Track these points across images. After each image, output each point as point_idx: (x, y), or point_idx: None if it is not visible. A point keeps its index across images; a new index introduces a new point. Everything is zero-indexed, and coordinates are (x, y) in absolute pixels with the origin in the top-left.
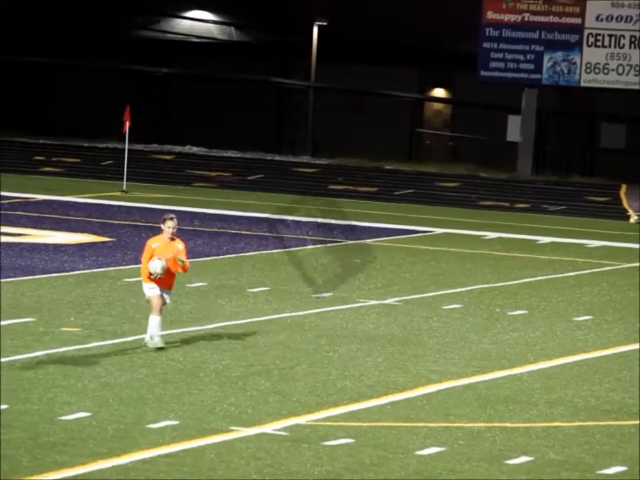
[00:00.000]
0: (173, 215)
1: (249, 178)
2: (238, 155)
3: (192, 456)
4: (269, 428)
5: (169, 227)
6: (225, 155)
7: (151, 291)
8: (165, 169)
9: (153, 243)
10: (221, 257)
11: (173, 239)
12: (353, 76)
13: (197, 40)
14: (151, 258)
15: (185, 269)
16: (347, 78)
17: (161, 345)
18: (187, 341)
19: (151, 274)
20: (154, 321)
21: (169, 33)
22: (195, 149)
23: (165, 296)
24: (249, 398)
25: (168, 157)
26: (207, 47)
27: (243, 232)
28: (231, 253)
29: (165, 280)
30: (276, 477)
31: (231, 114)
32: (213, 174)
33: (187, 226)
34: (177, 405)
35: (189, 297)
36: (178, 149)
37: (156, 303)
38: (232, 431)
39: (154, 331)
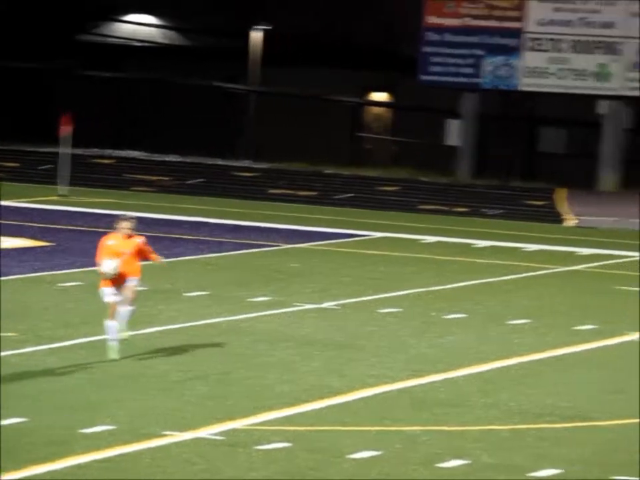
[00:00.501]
0: (130, 216)
1: (189, 182)
2: (178, 160)
3: (127, 461)
4: (205, 432)
5: (123, 226)
6: (166, 159)
7: (111, 296)
8: (105, 173)
9: (108, 240)
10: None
11: (130, 236)
12: (294, 80)
13: (139, 44)
14: (109, 255)
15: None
16: (289, 82)
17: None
18: (125, 345)
19: (102, 273)
20: (112, 326)
21: (111, 37)
22: (135, 154)
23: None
24: (186, 403)
25: (108, 162)
26: (149, 50)
27: (183, 236)
28: (170, 257)
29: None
30: None
31: (171, 118)
32: (154, 178)
33: None
34: (113, 410)
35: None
36: (118, 153)
37: (113, 309)
38: (168, 435)
39: (114, 336)
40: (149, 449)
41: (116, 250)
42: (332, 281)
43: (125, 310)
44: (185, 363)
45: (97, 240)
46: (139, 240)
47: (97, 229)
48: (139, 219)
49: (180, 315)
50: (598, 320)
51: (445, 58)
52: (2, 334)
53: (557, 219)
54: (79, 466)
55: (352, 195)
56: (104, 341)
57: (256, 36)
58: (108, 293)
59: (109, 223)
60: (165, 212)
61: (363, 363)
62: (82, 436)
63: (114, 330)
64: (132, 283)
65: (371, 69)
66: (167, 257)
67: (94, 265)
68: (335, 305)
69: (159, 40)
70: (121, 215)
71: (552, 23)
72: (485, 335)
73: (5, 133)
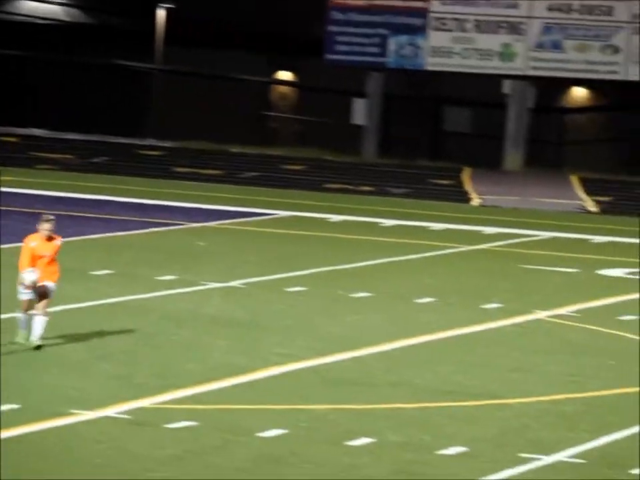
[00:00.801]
0: (52, 217)
1: (94, 160)
2: (82, 138)
3: (34, 440)
4: (112, 411)
5: (45, 228)
6: (69, 137)
7: (26, 295)
8: (7, 151)
9: (31, 242)
10: (65, 239)
11: (51, 238)
12: (200, 59)
13: (42, 22)
14: (31, 258)
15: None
16: (194, 61)
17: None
18: (30, 324)
19: (22, 282)
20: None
21: (14, 15)
22: (38, 132)
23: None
24: (92, 381)
25: (12, 140)
26: (52, 28)
27: (88, 215)
28: (75, 236)
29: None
30: (119, 460)
31: (76, 96)
32: (57, 156)
33: (30, 209)
34: (18, 389)
35: None
36: (21, 131)
37: (27, 304)
38: (74, 414)
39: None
40: (56, 428)
41: (37, 253)
42: (238, 260)
43: (41, 320)
44: (91, 342)
45: None
46: (59, 242)
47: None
48: (43, 197)
49: (86, 293)
50: (504, 298)
51: (350, 37)
52: None
53: (463, 198)
54: None
55: (258, 173)
56: (9, 321)
57: (161, 15)
58: (23, 292)
59: (12, 200)
60: (69, 190)
61: (270, 342)
62: None
63: (24, 323)
64: (50, 292)
65: (277, 48)
66: (72, 235)
67: None
68: (242, 284)
69: (63, 18)
70: (42, 215)
71: (456, 2)
72: (392, 314)
73: None
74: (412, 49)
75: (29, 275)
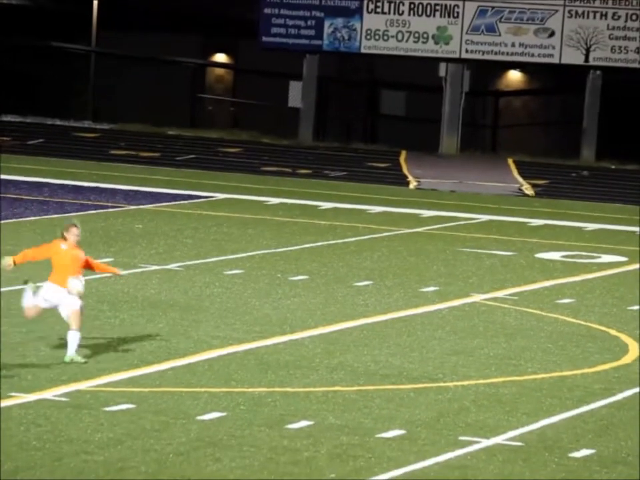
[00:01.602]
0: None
1: (29, 142)
2: (18, 120)
3: None
4: (49, 394)
5: (76, 234)
6: (5, 119)
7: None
8: None
9: (62, 244)
10: (1, 222)
11: (77, 246)
12: (136, 41)
13: None
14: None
15: None
16: (130, 44)
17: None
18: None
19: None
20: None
21: None
22: None
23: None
24: (29, 364)
25: None
26: None
27: (23, 197)
28: (11, 218)
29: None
30: (56, 443)
31: (11, 78)
32: None
33: None
34: None
35: None
36: None
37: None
38: (11, 397)
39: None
40: None
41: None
42: (176, 243)
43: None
44: (27, 324)
45: None
46: (82, 253)
47: None
48: None
49: (22, 275)
50: (441, 281)
51: (286, 20)
52: None
53: (400, 181)
54: None
55: (194, 156)
56: None
57: None
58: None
59: None
60: (5, 172)
61: (208, 325)
62: None
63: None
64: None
65: (212, 31)
66: (8, 217)
67: None
68: (179, 267)
69: None
70: (68, 222)
71: None
72: (330, 297)
73: None
74: (347, 32)
75: (74, 283)
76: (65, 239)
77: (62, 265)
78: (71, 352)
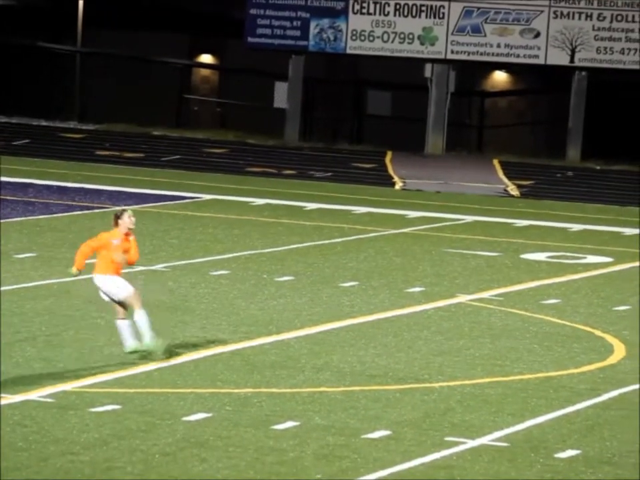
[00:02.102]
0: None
1: (15, 143)
2: (3, 120)
3: None
4: (35, 395)
5: (133, 222)
6: None
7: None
8: None
9: (114, 240)
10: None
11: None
12: (121, 41)
13: None
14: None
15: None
16: (115, 43)
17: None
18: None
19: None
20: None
21: None
22: None
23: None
24: (15, 364)
25: None
26: None
27: (9, 197)
28: None
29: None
30: (42, 444)
31: None
32: None
33: None
34: None
35: None
36: None
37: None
38: None
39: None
40: None
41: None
42: (161, 243)
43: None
44: (14, 324)
45: None
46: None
47: None
48: None
49: (8, 276)
50: (427, 282)
51: (271, 20)
52: None
53: (386, 181)
54: None
55: (180, 156)
56: None
57: None
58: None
59: None
60: None
61: (194, 325)
62: None
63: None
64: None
65: (198, 31)
66: None
67: None
68: (165, 267)
69: None
70: (127, 210)
71: None
72: (316, 297)
73: None
74: (333, 33)
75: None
76: (117, 225)
77: (110, 257)
78: (149, 337)
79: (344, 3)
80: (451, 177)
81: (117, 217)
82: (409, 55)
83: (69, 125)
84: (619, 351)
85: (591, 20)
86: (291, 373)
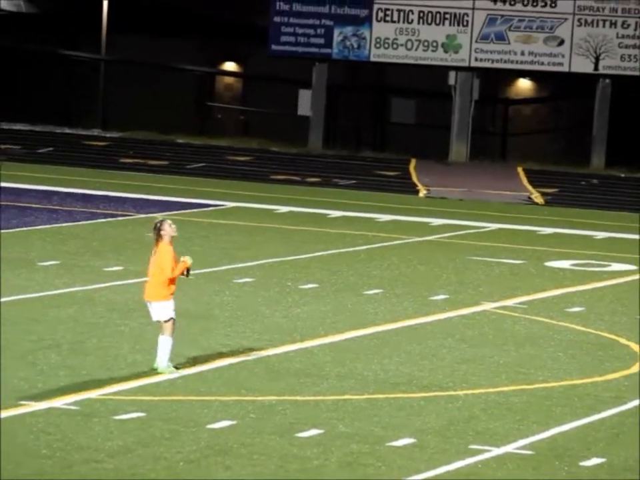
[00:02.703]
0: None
1: (39, 151)
2: (27, 128)
3: None
4: (59, 402)
5: (174, 230)
6: (15, 127)
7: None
8: None
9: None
10: (11, 230)
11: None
12: (144, 49)
13: None
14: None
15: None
16: (139, 51)
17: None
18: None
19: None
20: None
21: None
22: None
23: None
24: (39, 372)
25: None
26: None
27: (33, 205)
28: (21, 227)
29: None
30: (66, 451)
31: (20, 86)
32: (2, 147)
33: None
34: None
35: None
36: None
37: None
38: (21, 405)
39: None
40: (2, 419)
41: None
42: (185, 251)
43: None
44: (38, 332)
45: None
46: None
47: None
48: None
49: (33, 284)
50: (451, 290)
51: (295, 28)
52: None
53: (409, 189)
54: None
55: (203, 164)
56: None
57: (105, 4)
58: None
59: None
60: (15, 181)
61: (218, 333)
62: None
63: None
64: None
65: (222, 38)
66: (18, 226)
67: None
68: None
69: (7, 8)
70: (164, 219)
71: None
72: (340, 305)
73: None
74: (357, 40)
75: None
76: (160, 238)
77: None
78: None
79: (367, 11)
80: (474, 185)
81: (158, 228)
82: (433, 62)
83: (93, 133)
84: None
85: (615, 27)
86: (315, 381)
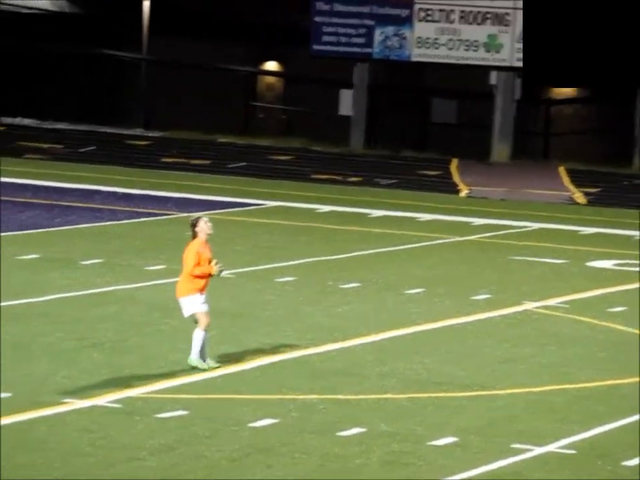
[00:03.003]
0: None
1: (81, 150)
2: (70, 127)
3: (23, 429)
4: (102, 400)
5: (208, 228)
6: (57, 126)
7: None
8: None
9: (199, 249)
10: (53, 229)
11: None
12: (187, 49)
13: (28, 11)
14: (198, 264)
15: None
16: (180, 51)
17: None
18: (19, 314)
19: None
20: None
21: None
22: (26, 121)
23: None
24: (82, 370)
25: (0, 129)
26: (40, 19)
27: (75, 204)
28: (63, 225)
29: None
30: (108, 449)
31: (63, 86)
32: (45, 146)
33: (18, 198)
34: (8, 378)
35: (22, 269)
36: (9, 120)
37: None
38: (64, 403)
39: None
40: (45, 417)
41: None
42: (226, 250)
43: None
44: (80, 331)
45: None
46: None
47: None
48: (32, 186)
49: (75, 283)
50: (492, 289)
51: (336, 28)
52: None
53: (451, 189)
54: None
55: (245, 163)
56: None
57: (147, 5)
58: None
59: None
60: (57, 180)
61: (259, 332)
62: None
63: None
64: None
65: (264, 39)
66: (60, 225)
67: None
68: (230, 274)
69: (50, 8)
70: (200, 217)
71: None
72: (381, 304)
73: None
74: (398, 40)
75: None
76: (195, 235)
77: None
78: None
79: (409, 11)
80: (516, 185)
81: (194, 225)
82: (474, 62)
83: (135, 132)
84: None
85: None
86: (356, 380)
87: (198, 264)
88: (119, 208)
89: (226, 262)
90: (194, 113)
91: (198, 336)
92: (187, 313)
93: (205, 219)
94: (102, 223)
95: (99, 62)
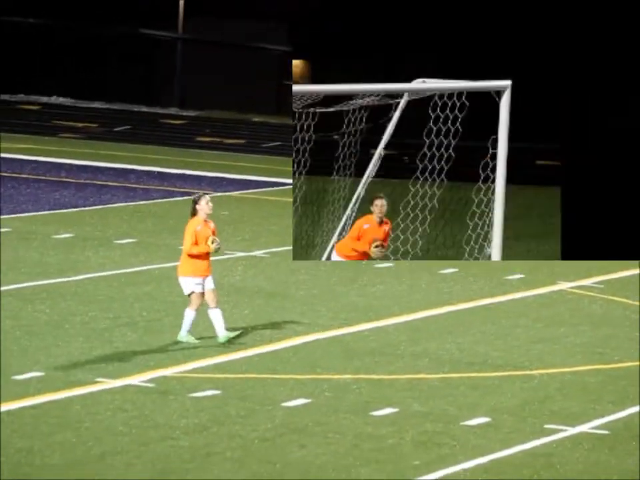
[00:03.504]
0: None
1: (116, 129)
2: (105, 106)
3: (58, 408)
4: (136, 380)
5: (209, 209)
6: (92, 105)
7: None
8: (31, 119)
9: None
10: (88, 208)
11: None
12: (221, 28)
13: None
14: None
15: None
16: (216, 30)
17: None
18: (53, 292)
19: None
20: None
21: None
22: (61, 100)
23: None
24: (116, 350)
25: (34, 108)
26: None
27: (110, 183)
28: (98, 205)
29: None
30: (142, 429)
31: (97, 65)
32: (80, 125)
33: (53, 177)
34: (42, 357)
35: (56, 248)
36: (44, 99)
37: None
38: (98, 382)
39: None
40: (80, 396)
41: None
42: (261, 230)
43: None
44: (115, 310)
45: (19, 186)
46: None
47: (20, 175)
48: (68, 165)
49: (109, 262)
50: (526, 269)
51: None
52: None
53: None
54: (8, 412)
55: (280, 143)
56: (32, 288)
57: None
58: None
59: (34, 169)
60: (92, 159)
61: (293, 312)
62: (12, 382)
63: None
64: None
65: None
66: (94, 204)
67: (19, 211)
68: (265, 253)
69: None
70: (202, 194)
71: None
72: (415, 284)
73: None
74: None
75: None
76: (195, 213)
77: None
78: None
79: None
80: None
81: (195, 202)
82: None
83: (170, 111)
84: None
85: None
86: (389, 360)
87: (195, 243)
88: (153, 187)
89: (260, 241)
90: (228, 93)
91: (188, 314)
92: (186, 291)
93: (207, 197)
94: (136, 202)
95: (134, 41)
